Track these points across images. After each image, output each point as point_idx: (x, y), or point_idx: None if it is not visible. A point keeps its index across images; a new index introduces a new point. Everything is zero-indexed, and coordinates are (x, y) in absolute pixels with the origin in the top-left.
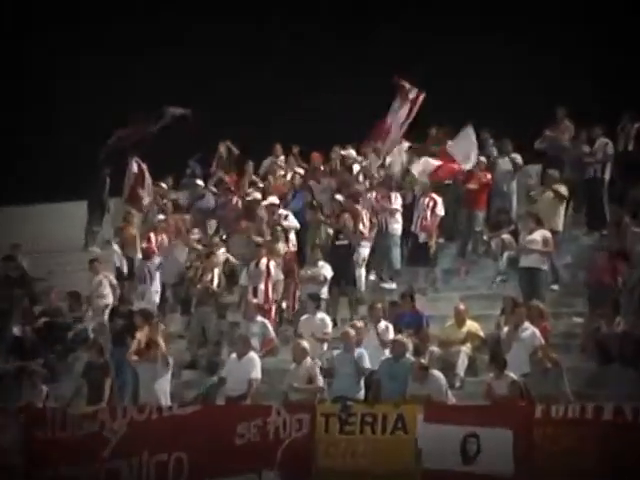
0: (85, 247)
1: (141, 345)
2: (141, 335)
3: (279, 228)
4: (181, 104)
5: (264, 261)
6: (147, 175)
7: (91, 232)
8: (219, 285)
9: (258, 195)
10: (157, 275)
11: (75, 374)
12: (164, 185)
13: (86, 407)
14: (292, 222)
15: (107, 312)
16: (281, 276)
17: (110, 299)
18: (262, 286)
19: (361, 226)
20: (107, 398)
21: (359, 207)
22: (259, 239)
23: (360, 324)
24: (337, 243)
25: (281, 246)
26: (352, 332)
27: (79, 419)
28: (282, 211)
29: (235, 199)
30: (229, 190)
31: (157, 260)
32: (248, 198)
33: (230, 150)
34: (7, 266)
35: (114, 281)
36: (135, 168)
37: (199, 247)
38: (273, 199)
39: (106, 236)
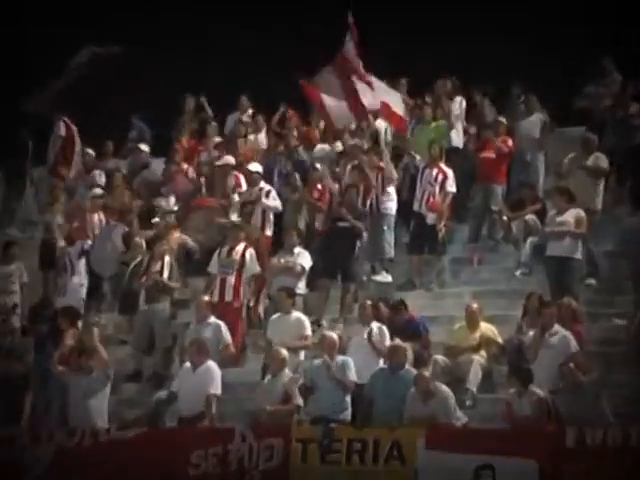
0: (0, 228)
1: (71, 352)
2: (70, 340)
3: (249, 207)
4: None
5: (240, 248)
6: (77, 139)
7: (8, 210)
8: (170, 276)
9: (231, 159)
10: (81, 264)
11: None
12: (92, 152)
13: (1, 430)
14: (274, 201)
15: (18, 312)
16: (257, 268)
17: (18, 297)
18: (232, 279)
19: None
20: (27, 418)
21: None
22: (235, 218)
23: (339, 325)
24: (339, 225)
25: (254, 230)
26: (334, 335)
27: None
28: (264, 185)
29: (190, 168)
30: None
31: (80, 245)
32: (218, 163)
33: (201, 108)
34: None
35: (25, 276)
36: (62, 130)
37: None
38: (255, 166)
39: (28, 215)
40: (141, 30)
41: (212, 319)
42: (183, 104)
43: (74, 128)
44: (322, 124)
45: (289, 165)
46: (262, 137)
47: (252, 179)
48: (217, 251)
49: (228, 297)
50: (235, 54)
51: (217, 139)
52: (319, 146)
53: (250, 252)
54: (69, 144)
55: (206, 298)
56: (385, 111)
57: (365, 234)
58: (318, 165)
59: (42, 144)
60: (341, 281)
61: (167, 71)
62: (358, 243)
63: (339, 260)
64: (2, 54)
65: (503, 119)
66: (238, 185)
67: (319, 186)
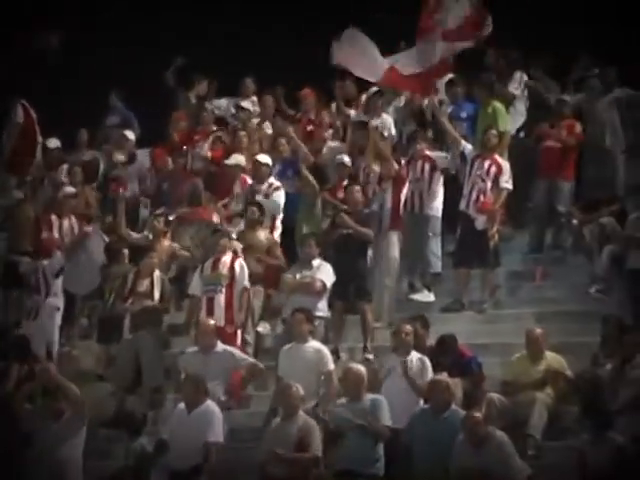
0: None
1: (34, 392)
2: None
3: (254, 211)
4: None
5: (227, 259)
6: (36, 127)
7: None
8: (162, 298)
9: (241, 159)
10: (57, 282)
11: None
12: (58, 142)
13: None
14: (279, 200)
15: None
16: (246, 282)
17: None
18: (221, 298)
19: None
20: None
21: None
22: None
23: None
24: (343, 232)
25: (263, 235)
26: (361, 369)
27: None
28: (273, 180)
29: (188, 162)
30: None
31: (57, 259)
32: (228, 162)
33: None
34: None
35: None
36: (20, 117)
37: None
38: (264, 157)
39: None
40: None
41: (220, 347)
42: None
43: (34, 115)
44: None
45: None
46: (268, 124)
47: (261, 173)
48: (199, 267)
49: (219, 321)
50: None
51: (214, 127)
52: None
53: (239, 263)
54: (29, 133)
55: (211, 321)
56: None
57: (395, 240)
58: (345, 158)
59: None
60: (355, 300)
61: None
62: (370, 252)
63: (349, 275)
64: None
65: (567, 97)
66: (243, 188)
67: (345, 183)
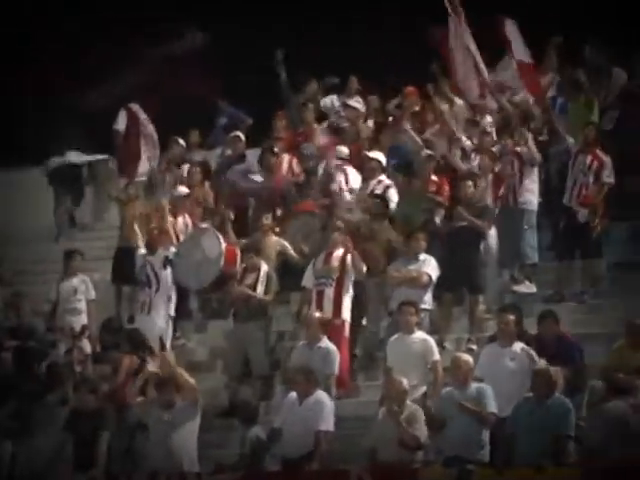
0: (58, 236)
1: (153, 382)
2: (152, 367)
3: (379, 203)
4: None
5: (339, 253)
6: (147, 127)
7: (63, 212)
8: (267, 291)
9: (344, 150)
10: (166, 275)
11: (56, 426)
12: (182, 142)
13: (72, 475)
14: (393, 197)
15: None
16: (363, 272)
17: (85, 318)
18: (331, 292)
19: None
20: (103, 461)
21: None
22: (339, 221)
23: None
24: (457, 225)
25: (384, 230)
26: (469, 359)
27: None
28: (383, 178)
29: (294, 160)
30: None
31: (164, 253)
32: (334, 160)
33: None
34: None
35: (91, 292)
36: (123, 121)
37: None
38: (376, 154)
39: (86, 219)
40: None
41: (324, 342)
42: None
43: (142, 116)
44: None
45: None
46: (371, 122)
47: (370, 169)
48: (312, 261)
49: (327, 314)
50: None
51: (316, 126)
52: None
53: (351, 258)
54: (134, 136)
55: (317, 314)
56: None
57: (494, 233)
58: (429, 152)
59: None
60: (468, 293)
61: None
62: (482, 245)
63: (462, 268)
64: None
65: None
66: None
67: (434, 177)
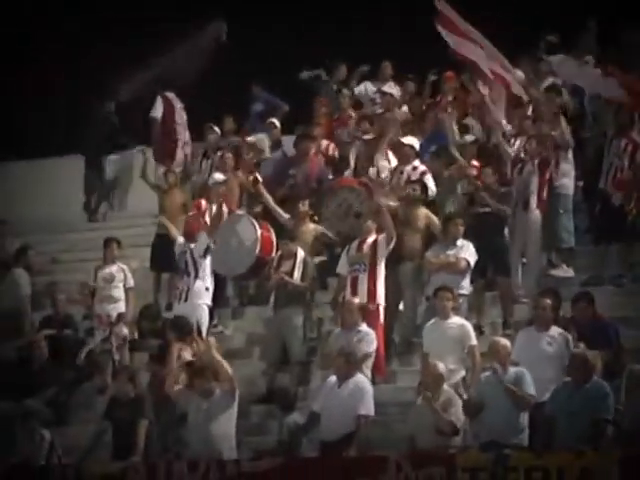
0: (89, 218)
1: (189, 370)
2: (187, 355)
3: (416, 188)
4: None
5: (371, 240)
6: (182, 116)
7: (96, 198)
8: (303, 277)
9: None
10: (205, 265)
11: (94, 414)
12: (217, 129)
13: (111, 463)
14: (430, 184)
15: (123, 323)
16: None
17: (123, 306)
18: (365, 277)
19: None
20: (142, 449)
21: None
22: (388, 203)
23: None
24: (481, 211)
25: (423, 213)
26: (507, 343)
27: None
28: (418, 164)
29: (332, 145)
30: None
31: (204, 242)
32: (366, 137)
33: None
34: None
35: (130, 280)
36: (160, 109)
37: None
38: (409, 139)
39: (121, 206)
40: None
41: (364, 327)
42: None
43: (178, 105)
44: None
45: (440, 136)
46: (405, 108)
47: (405, 155)
48: (346, 248)
49: (362, 299)
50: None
51: (352, 112)
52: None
53: (382, 242)
54: (170, 124)
55: (356, 300)
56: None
57: (537, 218)
58: (469, 137)
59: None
60: (494, 277)
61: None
62: (505, 230)
63: (488, 252)
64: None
65: None
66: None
67: (475, 162)
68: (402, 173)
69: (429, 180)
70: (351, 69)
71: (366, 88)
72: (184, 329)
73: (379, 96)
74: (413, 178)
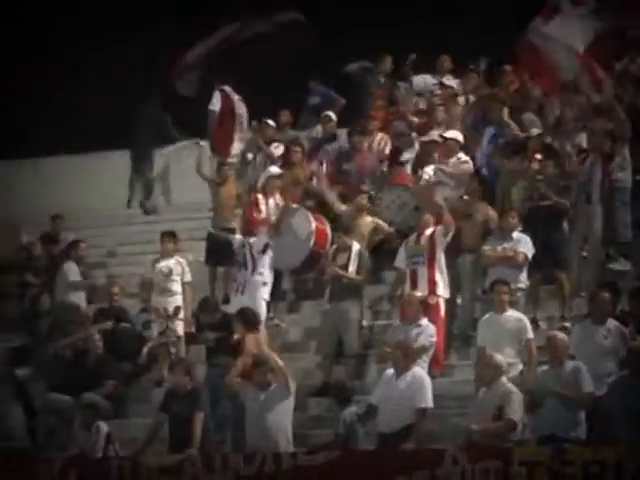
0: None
1: (247, 363)
2: (249, 349)
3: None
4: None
5: (429, 232)
6: (242, 109)
7: (143, 192)
8: (358, 270)
9: (435, 135)
10: (265, 259)
11: (151, 407)
12: (273, 123)
13: (168, 456)
14: (466, 170)
15: (181, 317)
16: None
17: (180, 299)
18: (424, 270)
19: None
20: (199, 442)
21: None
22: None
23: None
24: (540, 204)
25: (482, 207)
26: (564, 338)
27: (158, 474)
28: (462, 156)
29: (385, 139)
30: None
31: (264, 237)
32: (424, 139)
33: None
34: (49, 249)
35: (187, 274)
36: (218, 102)
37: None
38: (453, 133)
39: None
40: None
41: (424, 321)
42: (380, 62)
43: (235, 97)
44: None
45: (503, 129)
46: (461, 100)
47: (449, 149)
48: (405, 241)
49: (422, 292)
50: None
51: (408, 105)
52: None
53: (440, 235)
54: (227, 118)
55: (417, 294)
56: None
57: (599, 213)
58: (534, 130)
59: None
60: (552, 270)
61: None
62: (564, 223)
63: (547, 245)
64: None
65: None
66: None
67: (538, 155)
68: (447, 166)
69: (469, 170)
70: (402, 61)
71: (425, 80)
72: (252, 321)
73: (438, 88)
74: (458, 170)
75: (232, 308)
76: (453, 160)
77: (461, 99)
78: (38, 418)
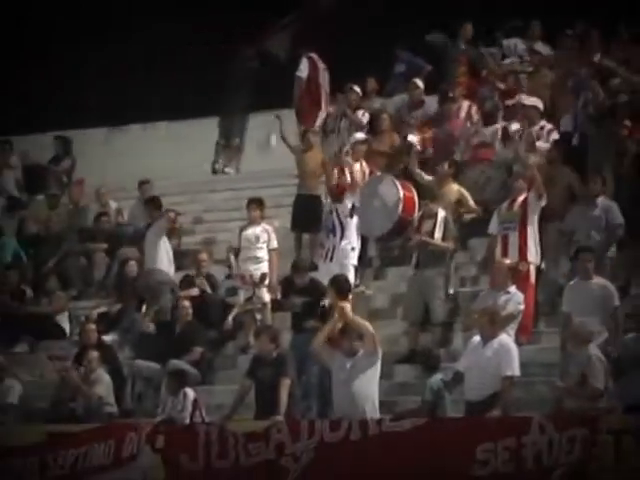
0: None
1: (335, 330)
2: (339, 315)
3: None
4: None
5: (521, 198)
6: (325, 77)
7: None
8: (445, 237)
9: (537, 101)
10: (352, 225)
11: (238, 373)
12: (358, 90)
13: (254, 422)
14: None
15: (267, 283)
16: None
17: (265, 267)
18: (515, 236)
19: None
20: (285, 409)
21: None
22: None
23: None
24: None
25: (564, 174)
26: None
27: (244, 440)
28: (545, 123)
29: (473, 107)
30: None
31: (350, 202)
32: (526, 102)
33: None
34: (143, 212)
35: (274, 241)
36: (305, 69)
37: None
38: (534, 100)
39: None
40: None
41: (512, 288)
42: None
43: (321, 66)
44: None
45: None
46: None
47: (529, 117)
48: (497, 208)
49: (512, 258)
50: None
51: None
52: None
53: (532, 198)
54: (314, 85)
55: (507, 261)
56: None
57: None
58: (622, 96)
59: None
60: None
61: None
62: None
63: (636, 213)
64: None
65: None
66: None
67: (627, 122)
68: (529, 134)
69: (555, 137)
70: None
71: (516, 45)
72: (345, 288)
73: (528, 54)
74: (543, 138)
75: (321, 275)
76: (536, 128)
77: (551, 67)
78: (126, 384)
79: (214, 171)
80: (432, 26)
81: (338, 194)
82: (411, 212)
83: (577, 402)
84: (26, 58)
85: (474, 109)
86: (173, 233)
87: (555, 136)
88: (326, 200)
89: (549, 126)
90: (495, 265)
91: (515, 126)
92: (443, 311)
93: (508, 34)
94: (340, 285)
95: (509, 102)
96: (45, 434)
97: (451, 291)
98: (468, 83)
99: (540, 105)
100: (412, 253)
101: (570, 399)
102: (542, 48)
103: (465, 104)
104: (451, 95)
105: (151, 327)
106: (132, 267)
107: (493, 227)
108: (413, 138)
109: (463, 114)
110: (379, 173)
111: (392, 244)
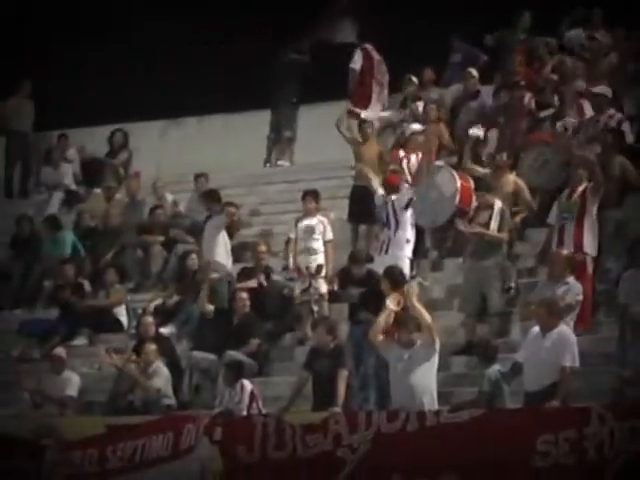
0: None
1: (391, 321)
2: (392, 306)
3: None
4: None
5: (581, 188)
6: (381, 68)
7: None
8: (501, 228)
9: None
10: (407, 217)
11: (295, 365)
12: (415, 80)
13: (312, 414)
14: (626, 130)
15: (323, 275)
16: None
17: (321, 258)
18: (572, 226)
19: None
20: (342, 400)
21: None
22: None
23: None
24: None
25: (617, 163)
26: None
27: (302, 432)
28: (614, 112)
29: (528, 95)
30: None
31: (406, 195)
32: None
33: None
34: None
35: (329, 233)
36: (359, 62)
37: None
38: (603, 89)
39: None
40: None
41: (570, 278)
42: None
43: (376, 57)
44: None
45: None
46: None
47: (597, 105)
48: (558, 197)
49: (568, 248)
50: None
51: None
52: None
53: (591, 188)
54: (367, 76)
55: (564, 252)
56: None
57: None
58: None
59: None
60: None
61: None
62: None
63: None
64: None
65: None
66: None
67: None
68: (598, 122)
69: (626, 127)
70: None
71: (577, 34)
72: (399, 279)
73: (587, 42)
74: (610, 126)
75: (376, 267)
76: (604, 117)
77: (612, 54)
78: (184, 376)
79: (266, 164)
80: (490, 16)
81: (393, 185)
82: (468, 202)
83: (637, 391)
84: (84, 50)
85: (532, 100)
86: (232, 226)
87: (626, 125)
88: (378, 192)
89: (619, 115)
90: (553, 256)
91: (570, 120)
92: (500, 302)
93: (571, 25)
94: (394, 276)
95: (564, 89)
96: (104, 426)
97: (512, 284)
98: (525, 72)
99: (609, 93)
100: (468, 244)
101: (630, 388)
102: (603, 37)
103: (527, 94)
104: (519, 82)
105: (210, 309)
106: (193, 260)
107: (553, 217)
108: (477, 131)
109: (525, 103)
110: (437, 163)
111: (449, 235)
